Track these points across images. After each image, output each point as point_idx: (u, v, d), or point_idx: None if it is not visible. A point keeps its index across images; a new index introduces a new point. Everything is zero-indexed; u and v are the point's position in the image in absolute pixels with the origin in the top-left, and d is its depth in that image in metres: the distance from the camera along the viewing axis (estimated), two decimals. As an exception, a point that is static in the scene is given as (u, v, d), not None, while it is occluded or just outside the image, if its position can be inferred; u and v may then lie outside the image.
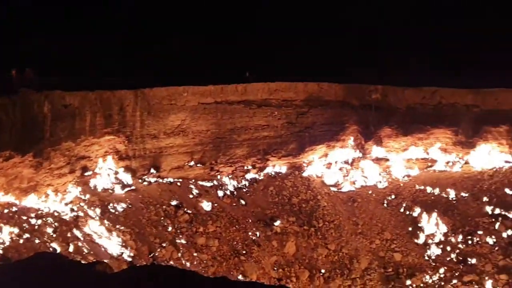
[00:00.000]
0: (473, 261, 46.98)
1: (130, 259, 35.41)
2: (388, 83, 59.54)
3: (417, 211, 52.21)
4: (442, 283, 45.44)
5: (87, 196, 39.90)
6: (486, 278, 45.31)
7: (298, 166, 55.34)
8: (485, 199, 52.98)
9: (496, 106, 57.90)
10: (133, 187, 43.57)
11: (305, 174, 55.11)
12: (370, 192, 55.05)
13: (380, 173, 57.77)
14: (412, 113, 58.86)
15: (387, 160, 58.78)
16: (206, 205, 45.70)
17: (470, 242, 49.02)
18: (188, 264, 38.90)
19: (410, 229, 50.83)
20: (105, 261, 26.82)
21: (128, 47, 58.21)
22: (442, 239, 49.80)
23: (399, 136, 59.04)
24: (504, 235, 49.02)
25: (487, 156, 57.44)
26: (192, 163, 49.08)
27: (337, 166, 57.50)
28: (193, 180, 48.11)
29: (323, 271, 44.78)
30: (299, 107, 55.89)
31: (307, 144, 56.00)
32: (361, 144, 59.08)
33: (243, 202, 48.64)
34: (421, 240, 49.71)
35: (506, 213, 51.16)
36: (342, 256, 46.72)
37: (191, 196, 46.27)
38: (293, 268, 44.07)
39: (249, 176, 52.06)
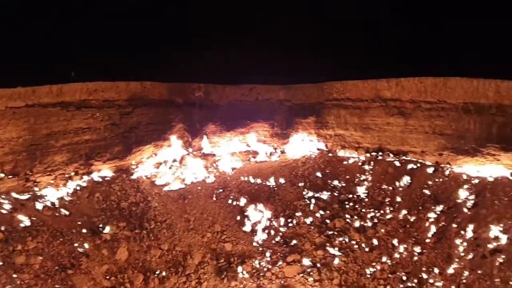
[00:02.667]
0: (294, 241, 51.85)
1: None
2: (210, 81, 61.78)
3: (243, 201, 55.46)
4: (270, 266, 49.18)
5: None
6: (306, 255, 50.48)
7: (125, 169, 53.70)
8: (300, 184, 58.96)
9: (304, 100, 64.81)
10: None
11: (133, 177, 53.79)
12: (199, 188, 56.46)
13: (207, 169, 59.67)
14: (233, 109, 62.13)
15: (214, 155, 61.05)
16: (23, 220, 41.28)
17: (290, 224, 53.94)
18: (8, 287, 34.77)
19: (238, 218, 53.72)
20: None
21: None
22: (267, 224, 53.83)
23: (223, 131, 61.84)
24: (318, 214, 55.21)
25: (299, 145, 64.00)
26: (2, 175, 43.75)
27: (166, 165, 57.57)
28: (5, 194, 42.96)
29: (157, 272, 44.50)
30: (123, 107, 54.10)
31: (133, 145, 54.67)
32: (188, 141, 60.10)
33: (66, 212, 45.21)
34: (248, 228, 52.96)
35: (318, 195, 57.71)
36: (176, 254, 47.07)
37: (3, 211, 41.25)
38: (126, 274, 42.74)
39: (71, 184, 48.59)
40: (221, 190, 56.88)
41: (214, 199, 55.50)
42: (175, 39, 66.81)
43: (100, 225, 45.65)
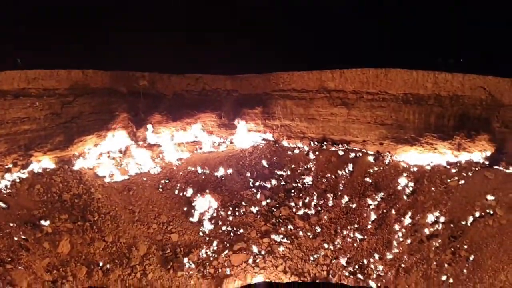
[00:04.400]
0: (241, 230, 52.33)
1: None
2: (155, 70, 60.66)
3: (190, 191, 55.25)
4: (216, 255, 49.43)
5: None
6: (252, 243, 51.14)
7: (67, 160, 51.98)
8: (247, 173, 59.45)
9: (251, 90, 65.17)
10: None
11: (76, 168, 52.20)
12: (144, 179, 55.67)
13: (153, 159, 58.88)
14: (180, 99, 61.50)
15: (159, 146, 60.26)
16: (-46, 215, 39.19)
17: (237, 213, 54.36)
18: None
19: (185, 209, 53.50)
20: None
21: None
22: (214, 214, 53.96)
23: (169, 121, 61.09)
24: (264, 203, 55.98)
25: (246, 135, 64.40)
26: None
27: (110, 156, 56.26)
28: None
29: (101, 264, 43.63)
30: (64, 96, 52.23)
31: (75, 135, 52.96)
32: (132, 131, 58.96)
33: (3, 205, 43.30)
34: (195, 218, 52.87)
35: (264, 184, 58.46)
36: (120, 246, 46.30)
37: None
38: (68, 267, 41.60)
39: (10, 176, 46.53)
40: (167, 181, 56.36)
41: (160, 190, 54.95)
42: (119, 26, 64.94)
43: (41, 218, 44.07)
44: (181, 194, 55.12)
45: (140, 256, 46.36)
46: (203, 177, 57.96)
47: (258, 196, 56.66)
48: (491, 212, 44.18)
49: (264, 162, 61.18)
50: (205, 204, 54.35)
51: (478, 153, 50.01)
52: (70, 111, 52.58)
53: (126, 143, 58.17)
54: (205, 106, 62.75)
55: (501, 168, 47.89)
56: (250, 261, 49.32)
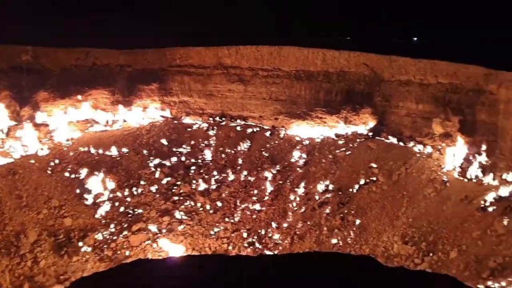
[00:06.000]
0: (140, 210, 51.49)
1: None
2: (39, 43, 56.05)
3: (83, 173, 52.71)
4: (114, 237, 48.22)
5: None
6: (152, 223, 50.64)
7: None
8: (145, 152, 58.09)
9: (146, 65, 63.13)
10: None
11: None
12: (32, 161, 51.82)
13: (40, 140, 54.95)
14: (68, 75, 57.73)
15: (47, 125, 56.26)
16: None
17: (135, 193, 53.25)
18: None
19: (77, 192, 51.02)
20: None
21: None
22: (110, 196, 52.27)
23: (57, 99, 57.15)
24: (164, 181, 55.42)
25: (143, 113, 62.63)
26: None
27: (-11, 137, 51.56)
28: None
29: (-15, 256, 40.48)
30: None
31: None
32: (16, 110, 54.35)
33: None
34: (90, 201, 50.79)
35: (164, 162, 57.72)
36: (7, 235, 43.12)
37: None
38: None
39: None
40: (57, 162, 53.05)
41: (49, 172, 51.54)
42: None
43: None
44: (72, 176, 52.26)
45: (29, 243, 43.65)
46: (97, 157, 55.42)
47: (157, 174, 55.89)
48: (374, 179, 48.24)
49: (163, 140, 60.20)
50: (100, 186, 52.34)
51: (362, 125, 53.91)
52: None
53: (9, 123, 53.54)
54: (97, 82, 59.45)
55: (382, 138, 52.22)
56: (150, 240, 48.89)
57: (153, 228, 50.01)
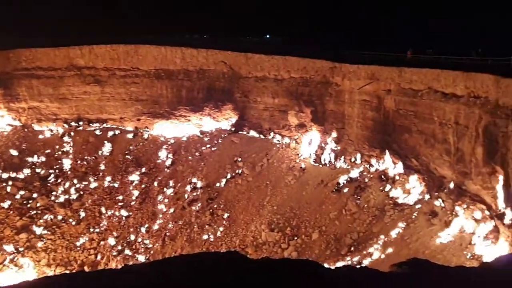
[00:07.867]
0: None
1: None
2: None
3: None
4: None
5: None
6: (7, 242, 46.00)
7: None
8: (-8, 165, 52.44)
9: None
10: None
11: None
12: None
13: None
14: None
15: None
16: None
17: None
18: None
19: None
20: None
21: None
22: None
23: None
24: (18, 196, 50.65)
25: (-13, 122, 56.38)
26: None
27: None
28: None
29: None
30: None
31: None
32: None
33: None
34: None
35: (15, 175, 52.72)
36: None
37: None
38: None
39: None
40: None
41: None
42: None
43: None
44: None
45: None
46: None
47: (9, 189, 50.94)
48: (240, 172, 49.93)
49: (13, 151, 54.84)
50: None
51: (225, 121, 55.29)
52: None
53: None
54: None
55: (244, 132, 54.18)
56: (7, 261, 44.47)
57: (8, 248, 45.52)
